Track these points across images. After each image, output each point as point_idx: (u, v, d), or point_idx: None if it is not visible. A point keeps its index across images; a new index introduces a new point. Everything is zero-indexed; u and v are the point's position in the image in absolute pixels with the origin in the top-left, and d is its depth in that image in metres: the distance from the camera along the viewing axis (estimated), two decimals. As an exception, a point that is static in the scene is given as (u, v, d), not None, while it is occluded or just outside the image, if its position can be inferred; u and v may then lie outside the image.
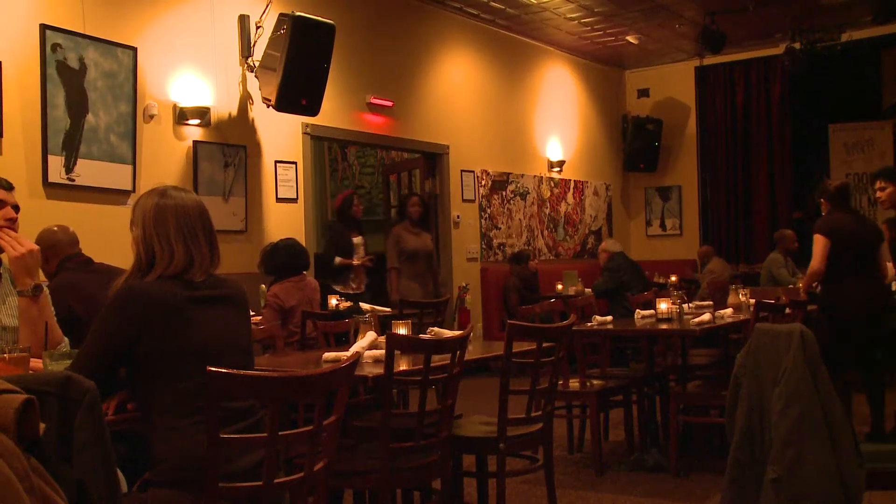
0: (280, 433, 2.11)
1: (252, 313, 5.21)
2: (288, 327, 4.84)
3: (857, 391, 5.14)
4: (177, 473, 2.18)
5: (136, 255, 2.36)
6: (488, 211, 9.08)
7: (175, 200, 2.37)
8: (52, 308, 2.94)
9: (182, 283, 2.30)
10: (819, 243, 5.00)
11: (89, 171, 5.34)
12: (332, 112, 7.09)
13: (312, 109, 6.29)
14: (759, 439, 2.70)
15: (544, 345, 3.39)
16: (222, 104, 6.28)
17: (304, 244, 5.74)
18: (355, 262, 7.03)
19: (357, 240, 7.21)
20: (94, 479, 1.78)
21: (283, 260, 5.05)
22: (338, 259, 7.03)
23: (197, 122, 6.03)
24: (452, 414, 3.14)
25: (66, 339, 2.92)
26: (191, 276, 2.32)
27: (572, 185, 10.51)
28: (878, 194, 5.27)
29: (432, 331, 3.61)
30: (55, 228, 3.80)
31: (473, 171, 8.89)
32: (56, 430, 1.75)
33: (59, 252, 3.71)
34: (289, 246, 5.15)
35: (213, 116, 6.17)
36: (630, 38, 10.08)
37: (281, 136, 6.78)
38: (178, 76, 5.97)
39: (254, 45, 6.38)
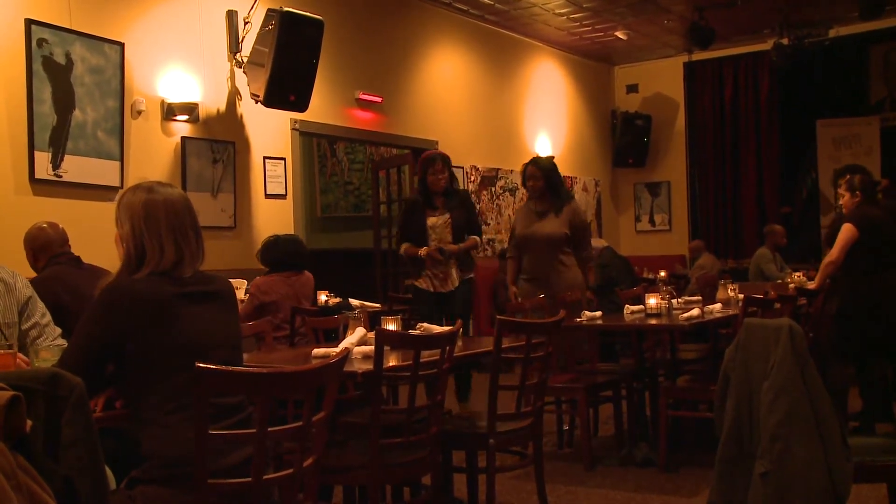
0: (269, 429, 2.10)
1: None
2: (273, 322, 4.78)
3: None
4: (165, 470, 2.17)
5: (126, 252, 2.31)
6: (478, 206, 9.07)
7: (164, 196, 2.34)
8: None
9: (171, 280, 2.28)
10: (847, 234, 4.94)
11: (76, 168, 5.31)
12: (321, 108, 7.06)
13: (301, 105, 6.28)
14: (747, 434, 2.71)
15: (533, 340, 3.40)
16: (210, 100, 6.25)
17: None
18: (421, 252, 5.48)
19: (434, 220, 5.56)
20: (82, 476, 1.77)
21: (275, 256, 4.97)
22: (403, 246, 5.62)
23: (185, 118, 6.00)
24: (442, 410, 3.14)
25: (58, 329, 2.91)
26: (180, 273, 2.30)
27: (561, 180, 10.50)
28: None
29: (421, 326, 3.60)
30: (45, 225, 3.77)
31: (462, 167, 8.88)
32: (43, 427, 1.74)
33: (49, 251, 3.71)
34: (289, 242, 5.05)
35: (202, 112, 6.14)
36: (619, 34, 10.08)
37: (269, 132, 6.75)
38: (165, 72, 5.94)
39: (242, 41, 6.36)
